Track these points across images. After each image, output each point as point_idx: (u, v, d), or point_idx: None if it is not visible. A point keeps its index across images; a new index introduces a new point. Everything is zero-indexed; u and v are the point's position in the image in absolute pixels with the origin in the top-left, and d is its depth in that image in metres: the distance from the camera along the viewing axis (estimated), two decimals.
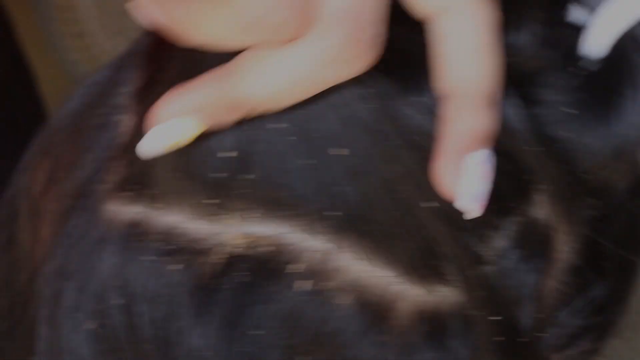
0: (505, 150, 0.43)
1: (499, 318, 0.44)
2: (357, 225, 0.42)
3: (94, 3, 1.05)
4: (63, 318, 0.46)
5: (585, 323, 0.47)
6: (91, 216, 0.46)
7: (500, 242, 0.44)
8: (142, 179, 0.45)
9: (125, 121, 0.47)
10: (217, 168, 0.43)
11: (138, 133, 0.45)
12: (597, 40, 0.44)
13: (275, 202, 0.43)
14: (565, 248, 0.46)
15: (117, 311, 0.45)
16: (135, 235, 0.45)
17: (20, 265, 0.51)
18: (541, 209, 0.45)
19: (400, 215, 0.42)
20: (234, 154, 0.42)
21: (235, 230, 0.43)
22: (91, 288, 0.45)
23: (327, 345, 0.43)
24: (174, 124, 0.40)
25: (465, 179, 0.40)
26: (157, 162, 0.44)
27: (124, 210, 0.45)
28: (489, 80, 0.40)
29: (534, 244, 0.45)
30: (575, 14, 0.44)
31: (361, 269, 0.43)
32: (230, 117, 0.40)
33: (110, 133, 0.47)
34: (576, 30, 0.44)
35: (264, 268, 0.43)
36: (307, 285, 0.43)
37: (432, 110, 0.41)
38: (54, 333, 0.47)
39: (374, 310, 0.43)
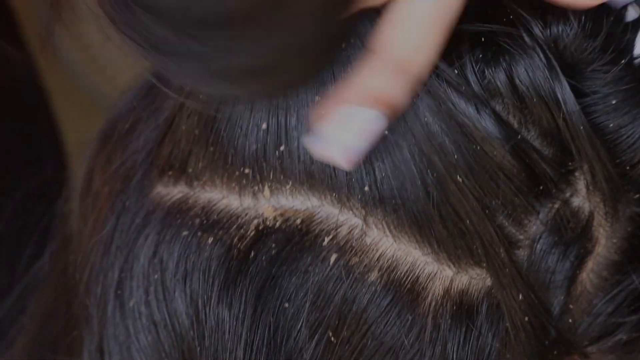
0: (550, 134, 0.43)
1: (529, 302, 0.44)
2: (387, 201, 0.43)
3: (93, 3, 1.05)
4: (109, 297, 0.48)
5: (621, 315, 0.47)
6: (138, 199, 0.49)
7: (536, 227, 0.44)
8: (182, 158, 0.47)
9: (170, 109, 0.48)
10: (249, 141, 0.44)
11: (180, 117, 0.47)
12: None
13: (305, 175, 0.43)
14: (605, 241, 0.46)
15: (154, 287, 0.46)
16: (176, 213, 0.46)
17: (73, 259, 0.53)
18: (583, 198, 0.45)
19: (431, 192, 0.42)
20: (264, 126, 0.43)
21: (267, 203, 0.44)
22: (133, 267, 0.47)
23: (352, 322, 0.44)
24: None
25: (343, 127, 0.40)
26: (194, 140, 0.46)
27: (167, 191, 0.47)
28: (415, 54, 0.40)
29: (572, 232, 0.45)
30: (632, 13, 0.44)
31: (390, 246, 0.43)
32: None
33: (158, 121, 0.49)
34: (627, 25, 0.44)
35: (294, 241, 0.44)
36: (335, 260, 0.43)
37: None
38: (101, 313, 0.48)
39: (402, 289, 0.43)
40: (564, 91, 0.42)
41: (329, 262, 0.43)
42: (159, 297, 0.46)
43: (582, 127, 0.42)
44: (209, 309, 0.45)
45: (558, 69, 0.42)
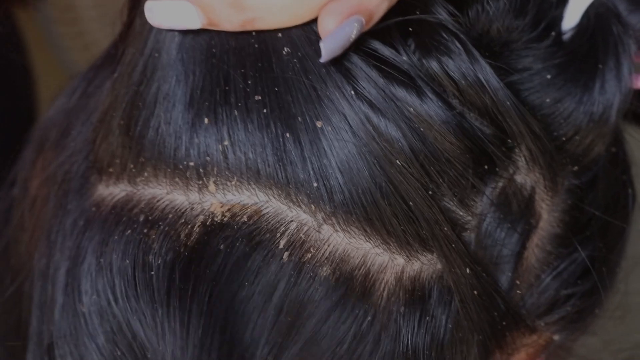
0: (487, 114, 0.43)
1: (477, 276, 0.44)
2: (335, 196, 0.43)
3: (93, 3, 1.07)
4: (56, 300, 0.47)
5: (568, 288, 0.48)
6: (80, 201, 0.48)
7: (482, 206, 0.45)
8: (121, 156, 0.46)
9: (105, 107, 0.48)
10: (191, 135, 0.44)
11: (114, 114, 0.47)
12: (572, 9, 0.45)
13: (250, 170, 0.43)
14: (547, 215, 0.47)
15: (102, 287, 0.46)
16: (120, 212, 0.46)
17: (18, 268, 0.53)
18: (524, 174, 0.46)
19: (378, 181, 0.42)
20: (206, 120, 0.43)
21: (213, 199, 0.44)
22: (81, 269, 0.46)
23: (306, 318, 0.44)
24: (174, 4, 0.42)
25: (340, 27, 0.41)
26: (132, 137, 0.45)
27: (110, 191, 0.47)
28: None
29: (517, 207, 0.45)
30: None
31: (340, 240, 0.44)
32: (232, 17, 0.41)
33: (93, 121, 0.49)
34: (553, 1, 0.45)
35: (242, 237, 0.44)
36: (287, 257, 0.43)
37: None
38: (48, 317, 0.48)
39: (354, 282, 0.44)
40: (485, 73, 0.42)
41: (280, 259, 0.43)
42: (109, 297, 0.45)
43: (509, 104, 0.43)
44: (159, 307, 0.44)
45: (476, 53, 0.42)
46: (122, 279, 0.45)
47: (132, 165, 0.46)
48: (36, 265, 0.49)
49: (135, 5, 0.47)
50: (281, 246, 0.43)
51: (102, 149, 0.47)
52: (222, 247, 0.44)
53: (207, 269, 0.44)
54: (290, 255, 0.43)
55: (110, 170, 0.47)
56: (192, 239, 0.44)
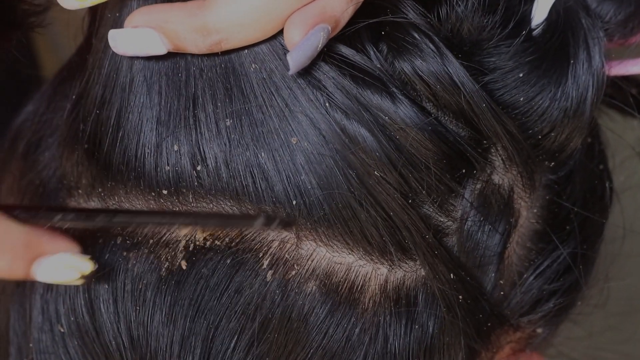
0: (462, 116, 0.43)
1: (462, 280, 0.44)
2: (315, 211, 0.42)
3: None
4: (34, 318, 0.46)
5: (550, 285, 0.48)
6: None
7: (462, 210, 0.44)
8: (90, 176, 0.45)
9: (66, 126, 0.47)
10: (162, 162, 0.43)
11: (73, 130, 0.46)
12: (540, 4, 0.44)
13: (228, 193, 0.42)
14: (526, 213, 0.47)
15: (84, 309, 0.45)
16: (94, 232, 0.45)
17: None
18: (502, 173, 0.45)
19: (357, 194, 0.42)
20: (175, 147, 0.42)
21: (192, 223, 0.43)
22: (59, 289, 0.46)
23: (294, 334, 0.43)
24: (138, 32, 0.41)
25: (305, 37, 0.40)
26: (98, 160, 0.44)
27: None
28: None
29: (496, 208, 0.45)
30: None
31: (324, 255, 0.43)
32: (198, 41, 0.40)
33: (57, 138, 0.48)
34: None
35: (225, 259, 0.43)
36: (271, 275, 0.43)
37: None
38: (26, 340, 0.47)
39: (340, 295, 0.43)
40: (459, 74, 0.42)
41: (264, 279, 0.43)
42: (85, 318, 0.45)
43: (484, 105, 0.42)
44: (141, 329, 0.44)
45: (449, 54, 0.42)
46: (103, 301, 0.44)
47: (100, 189, 0.45)
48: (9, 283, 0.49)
49: (92, 20, 0.46)
50: (264, 266, 0.43)
51: (67, 168, 0.46)
52: (204, 270, 0.43)
53: (190, 292, 0.43)
54: (274, 273, 0.43)
55: (80, 190, 0.46)
56: (175, 263, 0.43)
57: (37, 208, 0.44)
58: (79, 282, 0.43)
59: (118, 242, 0.44)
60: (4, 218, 0.42)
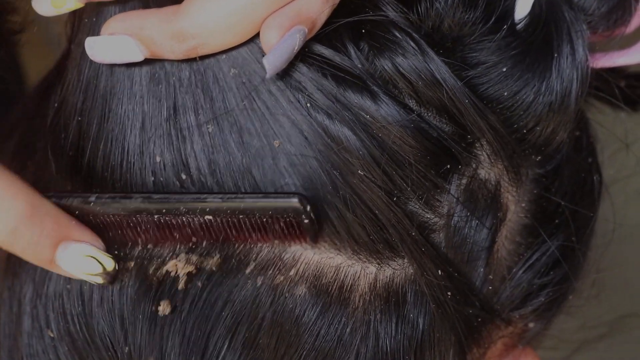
0: (445, 112, 0.43)
1: (450, 277, 0.44)
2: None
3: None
4: (23, 322, 0.47)
5: (540, 279, 0.48)
6: None
7: (449, 205, 0.44)
8: (72, 184, 0.45)
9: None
10: (147, 172, 0.43)
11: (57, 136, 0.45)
12: None
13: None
14: (514, 207, 0.46)
15: (76, 319, 0.45)
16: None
17: None
18: (488, 168, 0.45)
19: (342, 194, 0.42)
20: (157, 159, 0.43)
21: (181, 255, 0.44)
22: (49, 294, 0.46)
23: (285, 335, 0.43)
24: (114, 40, 0.41)
25: (282, 40, 0.40)
26: (81, 169, 0.44)
27: None
28: None
29: (483, 202, 0.45)
30: None
31: (312, 257, 0.43)
32: (174, 47, 0.40)
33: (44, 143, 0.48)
34: None
35: (215, 275, 0.43)
36: (259, 281, 0.43)
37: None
38: (15, 343, 0.47)
39: (330, 295, 0.43)
40: (441, 71, 0.42)
41: (255, 285, 0.43)
42: (76, 322, 0.45)
43: (467, 102, 0.42)
44: (133, 335, 0.44)
45: (430, 51, 0.42)
46: (97, 310, 0.44)
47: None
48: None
49: (74, 29, 0.46)
50: (254, 272, 0.43)
51: (53, 175, 0.46)
52: (199, 284, 0.43)
53: (183, 302, 0.43)
54: (263, 278, 0.43)
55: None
56: (166, 278, 0.44)
57: (70, 193, 0.44)
58: (99, 280, 0.43)
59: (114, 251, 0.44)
60: (37, 194, 0.41)
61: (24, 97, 0.53)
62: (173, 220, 0.42)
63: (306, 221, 0.41)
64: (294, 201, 0.41)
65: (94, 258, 0.42)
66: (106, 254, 0.43)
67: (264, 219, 0.42)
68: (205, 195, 0.42)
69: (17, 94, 0.64)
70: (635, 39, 0.48)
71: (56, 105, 0.46)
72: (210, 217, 0.42)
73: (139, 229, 0.43)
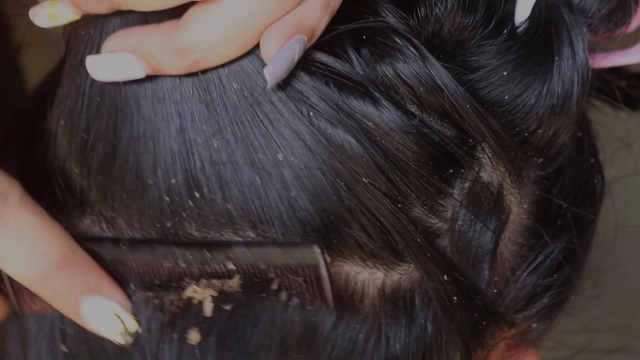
0: (447, 117, 0.43)
1: (456, 282, 0.44)
2: (307, 226, 0.42)
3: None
4: (39, 340, 0.47)
5: (544, 281, 0.48)
6: None
7: (452, 210, 0.44)
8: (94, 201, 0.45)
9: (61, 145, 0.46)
10: (161, 192, 0.43)
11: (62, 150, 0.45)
12: (522, 1, 0.44)
13: (224, 216, 0.43)
14: (517, 209, 0.47)
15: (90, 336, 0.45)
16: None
17: None
18: (490, 171, 0.45)
19: (347, 203, 0.42)
20: (172, 180, 0.43)
21: (201, 281, 0.43)
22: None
23: (312, 346, 0.44)
24: (115, 57, 0.41)
25: (282, 50, 0.40)
26: (90, 186, 0.44)
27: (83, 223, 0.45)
28: None
29: (486, 205, 0.45)
30: None
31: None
32: (175, 62, 0.40)
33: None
34: None
35: (239, 297, 0.43)
36: (284, 296, 0.43)
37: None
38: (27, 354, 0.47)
39: (343, 303, 0.44)
40: (441, 76, 0.42)
41: (283, 301, 0.43)
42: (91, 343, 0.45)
43: (468, 106, 0.42)
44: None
45: (430, 56, 0.42)
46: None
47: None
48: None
49: (69, 40, 0.46)
50: (280, 288, 0.43)
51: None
52: (223, 310, 0.44)
53: (215, 325, 0.44)
54: (287, 293, 0.43)
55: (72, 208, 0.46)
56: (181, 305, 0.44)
57: (103, 239, 0.44)
58: (120, 339, 0.43)
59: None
60: (73, 241, 0.42)
61: (18, 111, 0.52)
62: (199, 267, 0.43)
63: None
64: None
65: (118, 317, 0.42)
66: (131, 315, 0.43)
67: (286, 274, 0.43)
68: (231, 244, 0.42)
69: (17, 95, 0.64)
70: (635, 39, 0.48)
71: (55, 119, 0.46)
72: (234, 267, 0.43)
73: (161, 271, 0.43)
